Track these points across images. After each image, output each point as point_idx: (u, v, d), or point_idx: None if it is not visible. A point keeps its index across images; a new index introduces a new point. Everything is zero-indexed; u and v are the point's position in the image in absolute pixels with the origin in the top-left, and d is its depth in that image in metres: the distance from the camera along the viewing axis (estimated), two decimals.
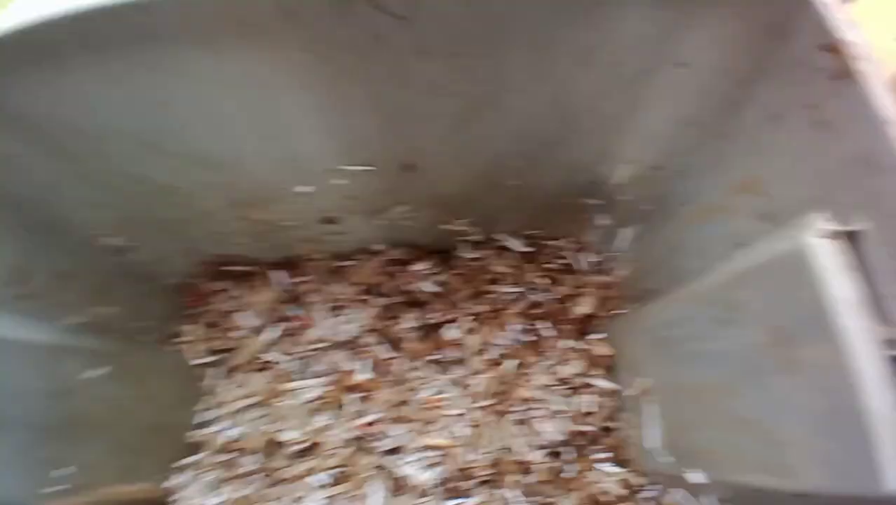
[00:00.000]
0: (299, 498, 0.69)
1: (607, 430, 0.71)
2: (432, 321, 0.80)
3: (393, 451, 0.73)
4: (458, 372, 0.77)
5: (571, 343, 0.73)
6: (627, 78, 0.49)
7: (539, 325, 0.76)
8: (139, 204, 0.64)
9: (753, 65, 0.43)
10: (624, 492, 0.66)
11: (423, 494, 0.69)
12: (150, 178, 0.60)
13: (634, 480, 0.66)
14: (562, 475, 0.68)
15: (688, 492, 0.56)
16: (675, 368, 0.53)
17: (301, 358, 0.78)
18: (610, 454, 0.69)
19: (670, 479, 0.58)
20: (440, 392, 0.76)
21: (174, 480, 0.70)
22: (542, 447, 0.69)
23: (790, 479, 0.37)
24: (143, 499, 0.66)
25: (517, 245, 0.78)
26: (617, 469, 0.67)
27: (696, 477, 0.50)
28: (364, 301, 0.80)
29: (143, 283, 0.75)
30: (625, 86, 0.50)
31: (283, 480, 0.71)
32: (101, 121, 0.51)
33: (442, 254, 0.83)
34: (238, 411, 0.76)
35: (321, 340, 0.78)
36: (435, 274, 0.82)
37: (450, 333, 0.79)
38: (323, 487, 0.70)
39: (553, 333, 0.76)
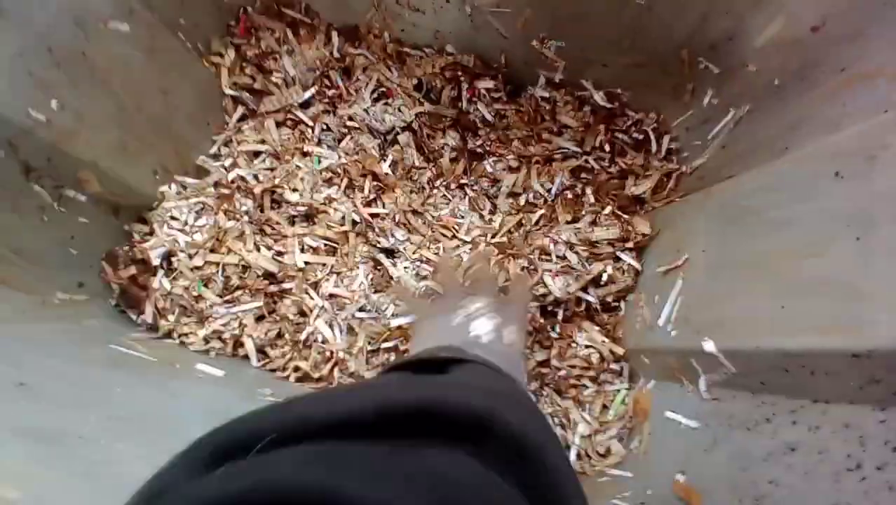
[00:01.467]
0: (279, 253, 0.66)
1: (608, 307, 0.67)
2: (475, 148, 0.74)
3: (390, 252, 0.69)
4: (482, 205, 0.72)
5: (611, 210, 0.67)
6: None
7: (586, 189, 0.70)
8: None
9: None
10: (595, 361, 0.63)
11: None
12: None
13: (614, 352, 0.63)
14: (546, 330, 0.65)
15: (683, 377, 0.52)
16: (735, 240, 0.48)
17: (331, 128, 0.72)
18: (599, 328, 0.66)
19: (669, 355, 0.54)
20: (457, 216, 0.71)
21: (164, 188, 0.66)
22: (535, 297, 0.65)
23: (854, 336, 0.32)
24: (131, 189, 0.63)
25: (600, 98, 0.70)
26: (601, 337, 0.64)
27: (708, 346, 0.45)
28: (413, 98, 0.73)
29: None
30: None
31: (271, 234, 0.67)
32: None
33: (510, 85, 0.75)
34: (252, 155, 0.71)
35: (355, 119, 0.72)
36: (497, 101, 0.74)
37: (488, 165, 0.73)
38: (308, 251, 0.66)
39: (593, 200, 0.69)
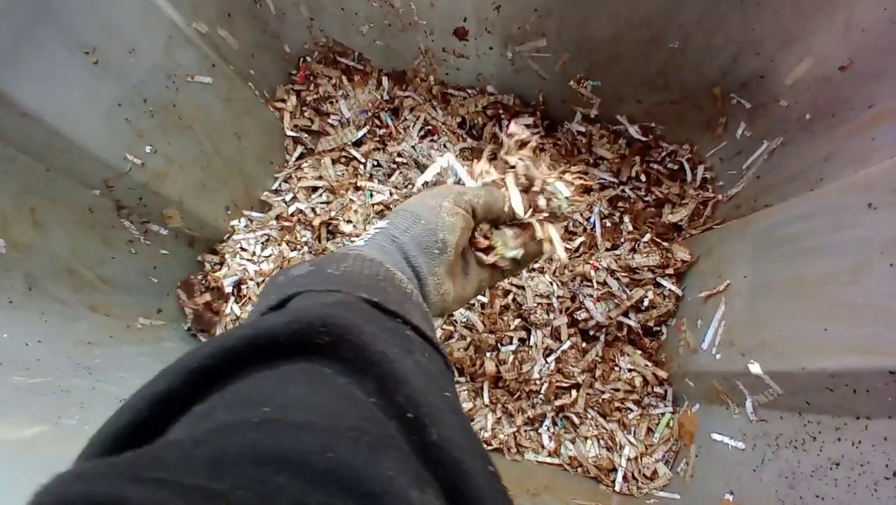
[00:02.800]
0: None
1: (650, 331, 0.69)
2: None
3: None
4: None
5: (650, 237, 0.70)
6: None
7: (624, 217, 0.73)
8: None
9: None
10: (639, 385, 0.65)
11: (452, 322, 0.70)
12: None
13: (657, 375, 0.65)
14: (586, 355, 0.68)
15: (728, 399, 0.54)
16: (775, 266, 0.50)
17: (381, 164, 0.78)
18: (641, 352, 0.68)
19: (714, 378, 0.56)
20: None
21: (234, 222, 0.73)
22: (576, 321, 0.68)
23: (892, 354, 0.34)
24: (206, 223, 0.70)
25: (634, 132, 0.74)
26: (644, 361, 0.66)
27: (755, 368, 0.47)
28: (457, 134, 0.78)
29: (268, 35, 0.76)
30: None
31: None
32: None
33: (548, 122, 0.80)
34: (310, 190, 0.78)
35: (403, 155, 0.78)
36: (536, 135, 0.79)
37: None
38: None
39: (631, 228, 0.72)
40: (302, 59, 0.81)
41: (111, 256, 0.64)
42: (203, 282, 0.70)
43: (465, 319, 0.70)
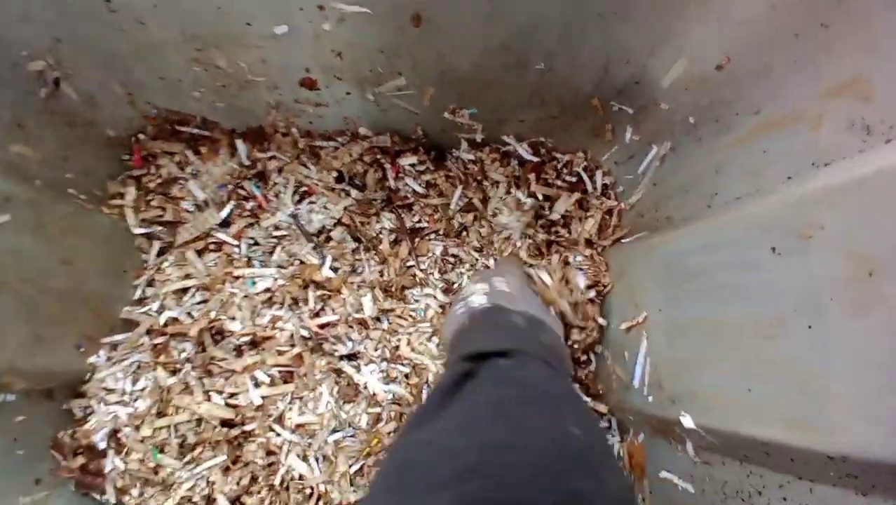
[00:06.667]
0: (232, 395, 0.62)
1: (577, 361, 0.65)
2: (413, 225, 0.71)
3: (351, 356, 0.66)
4: (434, 281, 0.69)
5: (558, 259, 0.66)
6: None
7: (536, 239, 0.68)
8: (75, 19, 0.50)
9: None
10: None
11: (377, 404, 0.63)
12: None
13: (598, 410, 0.62)
14: None
15: (670, 438, 0.51)
16: (689, 302, 0.46)
17: (259, 242, 0.68)
18: (579, 385, 0.64)
19: (650, 420, 0.53)
20: (409, 302, 0.68)
21: (92, 359, 0.61)
22: None
23: (826, 437, 0.31)
24: (57, 373, 0.58)
25: (524, 151, 0.68)
26: (585, 397, 0.63)
27: (686, 421, 0.44)
28: (337, 191, 0.70)
29: (78, 127, 0.62)
30: None
31: (220, 373, 0.63)
32: None
33: (434, 151, 0.73)
34: (179, 292, 0.66)
35: (281, 227, 0.68)
36: (424, 172, 0.72)
37: (431, 242, 0.71)
38: (263, 384, 0.62)
39: (545, 250, 0.68)
40: (133, 139, 0.68)
41: None
42: (73, 438, 0.58)
43: (391, 396, 0.64)
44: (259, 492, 0.60)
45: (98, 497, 0.60)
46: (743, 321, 0.39)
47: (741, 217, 0.41)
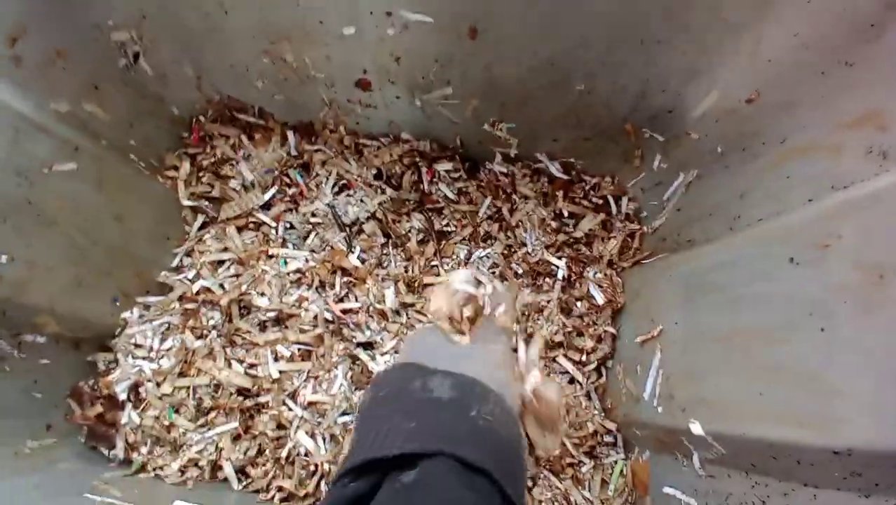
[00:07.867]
0: (251, 366, 0.64)
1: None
2: (441, 228, 0.74)
3: (368, 345, 0.68)
4: None
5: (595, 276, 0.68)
6: None
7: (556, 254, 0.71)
8: None
9: None
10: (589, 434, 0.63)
11: None
12: None
13: (606, 427, 0.62)
14: None
15: (676, 451, 0.52)
16: (705, 314, 0.48)
17: (295, 226, 0.72)
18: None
19: (657, 433, 0.54)
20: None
21: (125, 314, 0.64)
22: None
23: (831, 433, 0.32)
24: (90, 323, 0.61)
25: (556, 169, 0.72)
26: (594, 411, 0.63)
27: (696, 428, 0.45)
28: (374, 187, 0.74)
29: (148, 100, 0.67)
30: None
31: (242, 344, 0.65)
32: None
33: (468, 162, 0.77)
34: (215, 264, 0.70)
35: (318, 214, 0.72)
36: (458, 180, 0.76)
37: (457, 246, 0.74)
38: (282, 359, 0.65)
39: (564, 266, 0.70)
40: (194, 120, 0.74)
41: None
42: (94, 388, 0.61)
43: None
44: (264, 464, 0.61)
45: (106, 452, 0.62)
46: (756, 328, 0.41)
47: (761, 234, 0.44)
